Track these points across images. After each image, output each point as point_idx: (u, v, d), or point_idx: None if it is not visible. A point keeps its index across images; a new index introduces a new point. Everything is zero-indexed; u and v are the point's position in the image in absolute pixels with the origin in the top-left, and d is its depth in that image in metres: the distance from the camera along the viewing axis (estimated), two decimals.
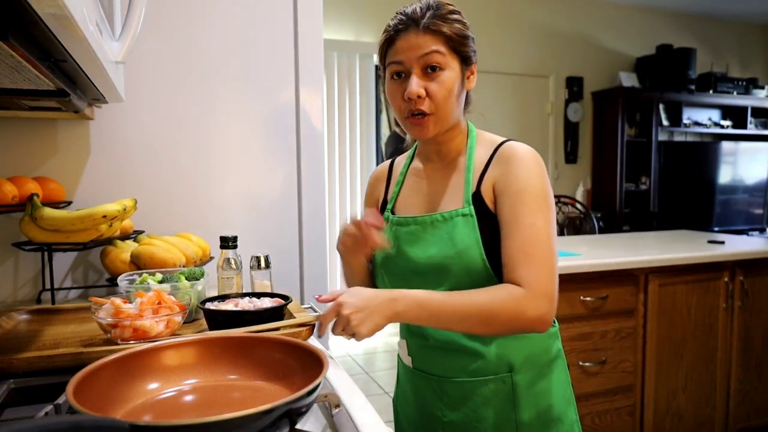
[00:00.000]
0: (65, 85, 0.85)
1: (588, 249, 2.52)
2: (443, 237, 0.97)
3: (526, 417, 0.98)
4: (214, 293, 1.17)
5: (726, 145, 5.25)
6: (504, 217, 0.94)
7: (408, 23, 0.96)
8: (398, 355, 1.16)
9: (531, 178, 0.94)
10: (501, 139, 1.03)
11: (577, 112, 5.13)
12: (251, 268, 1.25)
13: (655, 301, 2.30)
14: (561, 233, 4.52)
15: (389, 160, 1.18)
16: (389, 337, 4.22)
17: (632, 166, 5.15)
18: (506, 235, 0.92)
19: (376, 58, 4.32)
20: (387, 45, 0.99)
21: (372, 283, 1.12)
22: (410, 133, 1.01)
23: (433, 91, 0.95)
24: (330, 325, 0.89)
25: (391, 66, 0.98)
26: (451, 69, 0.96)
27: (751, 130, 5.61)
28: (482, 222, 0.95)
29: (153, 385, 0.71)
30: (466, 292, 0.91)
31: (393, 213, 1.08)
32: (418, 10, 0.96)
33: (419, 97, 0.94)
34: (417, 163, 1.11)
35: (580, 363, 2.18)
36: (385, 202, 1.12)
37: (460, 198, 0.99)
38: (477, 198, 0.97)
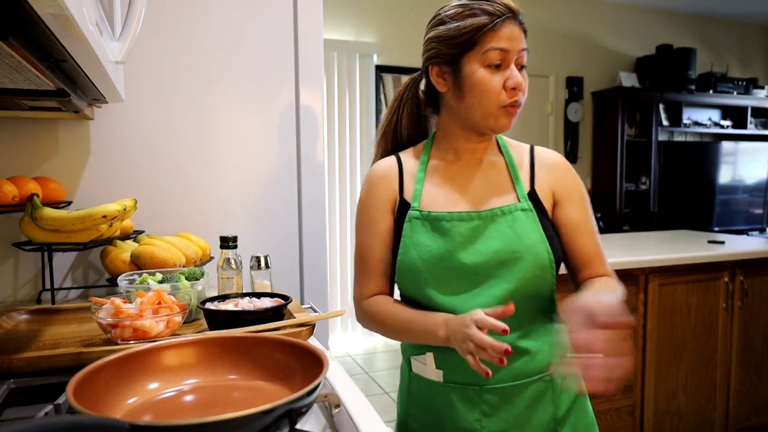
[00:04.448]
0: (65, 85, 0.85)
1: None
2: (505, 231, 0.95)
3: (563, 416, 1.00)
4: (214, 293, 1.17)
5: (726, 145, 5.25)
6: (574, 221, 1.01)
7: (509, 14, 0.93)
8: (408, 372, 1.07)
9: (583, 186, 1.05)
10: (523, 143, 1.07)
11: (577, 112, 5.13)
12: (251, 268, 1.25)
13: (655, 301, 2.30)
14: None
15: (392, 157, 1.09)
16: None
17: (632, 166, 5.14)
18: (579, 236, 1.01)
19: (376, 58, 4.32)
20: (486, 29, 0.92)
21: (391, 290, 1.06)
22: (497, 123, 0.96)
23: (523, 85, 0.96)
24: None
25: (492, 52, 0.93)
26: None
27: (751, 130, 5.60)
28: (539, 219, 0.98)
29: (153, 385, 0.70)
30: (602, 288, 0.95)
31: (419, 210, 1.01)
32: (512, 4, 0.94)
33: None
34: (436, 161, 1.05)
35: None
36: (402, 199, 1.03)
37: (511, 195, 1.00)
38: (533, 197, 1.00)
